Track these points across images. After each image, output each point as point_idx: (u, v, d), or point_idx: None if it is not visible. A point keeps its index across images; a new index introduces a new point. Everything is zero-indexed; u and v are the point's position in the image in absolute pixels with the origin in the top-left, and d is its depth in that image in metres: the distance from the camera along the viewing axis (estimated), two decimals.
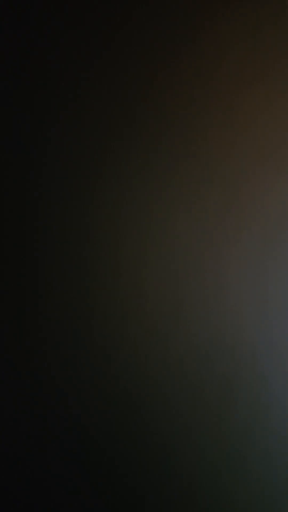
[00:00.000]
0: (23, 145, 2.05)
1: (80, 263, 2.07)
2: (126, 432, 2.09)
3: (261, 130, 2.23)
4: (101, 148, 2.10)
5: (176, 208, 2.15)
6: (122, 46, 2.12)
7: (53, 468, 2.04)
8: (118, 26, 2.12)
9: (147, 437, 2.11)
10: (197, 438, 2.14)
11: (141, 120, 2.13)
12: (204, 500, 2.15)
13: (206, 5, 2.20)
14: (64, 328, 2.05)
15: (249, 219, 2.21)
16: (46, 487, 2.04)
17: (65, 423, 2.05)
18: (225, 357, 2.17)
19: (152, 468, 2.11)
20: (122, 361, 2.09)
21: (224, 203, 2.19)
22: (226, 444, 2.16)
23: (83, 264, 2.08)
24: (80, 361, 2.06)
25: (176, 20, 2.17)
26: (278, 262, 2.23)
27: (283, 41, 2.26)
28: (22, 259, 2.04)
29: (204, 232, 2.17)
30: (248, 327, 2.19)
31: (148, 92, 2.15)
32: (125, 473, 2.09)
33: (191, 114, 2.18)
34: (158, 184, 2.14)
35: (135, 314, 2.10)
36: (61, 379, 2.05)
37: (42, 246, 2.05)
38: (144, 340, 2.11)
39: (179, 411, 2.13)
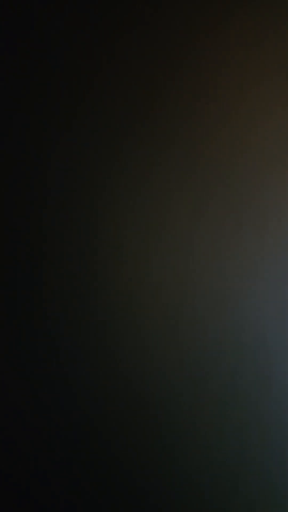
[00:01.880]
0: (26, 151, 2.05)
1: (81, 262, 2.08)
2: (129, 425, 2.10)
3: (262, 134, 2.24)
4: (105, 149, 2.10)
5: (179, 208, 2.16)
6: (123, 53, 2.12)
7: (55, 462, 2.05)
8: (119, 34, 2.12)
9: (149, 432, 2.12)
10: (200, 428, 2.16)
11: (143, 121, 2.14)
12: (207, 489, 2.16)
13: (206, 11, 2.20)
14: (66, 323, 2.06)
15: (249, 219, 2.22)
16: (48, 480, 2.05)
17: (68, 417, 2.05)
18: (228, 349, 2.18)
19: (155, 459, 2.12)
20: (124, 356, 2.10)
21: (224, 203, 2.20)
22: (228, 435, 2.18)
23: (84, 262, 2.08)
24: (82, 355, 2.07)
25: (176, 26, 2.17)
26: (278, 260, 2.24)
27: (283, 46, 2.27)
28: (25, 255, 2.04)
29: (206, 231, 2.18)
30: (249, 323, 2.20)
31: (150, 93, 2.15)
32: (128, 464, 2.10)
33: (192, 118, 2.18)
34: (160, 185, 2.15)
35: (137, 310, 2.11)
36: (63, 373, 2.05)
37: (44, 246, 2.05)
38: (146, 336, 2.12)
39: (182, 402, 2.14)
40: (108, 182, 2.10)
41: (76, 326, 2.06)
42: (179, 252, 2.16)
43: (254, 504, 2.20)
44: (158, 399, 2.12)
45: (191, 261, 2.17)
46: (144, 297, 2.12)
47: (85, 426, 2.06)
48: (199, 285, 2.17)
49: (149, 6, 2.15)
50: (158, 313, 2.13)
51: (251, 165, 2.23)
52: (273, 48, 2.25)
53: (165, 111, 2.15)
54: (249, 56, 2.24)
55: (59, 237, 2.06)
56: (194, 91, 2.19)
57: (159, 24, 2.16)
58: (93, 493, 2.06)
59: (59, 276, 2.06)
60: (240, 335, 2.20)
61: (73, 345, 2.06)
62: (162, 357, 2.12)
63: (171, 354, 2.13)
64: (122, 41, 2.12)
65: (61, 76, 2.07)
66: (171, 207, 2.16)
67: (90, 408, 2.06)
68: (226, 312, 2.19)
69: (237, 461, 2.18)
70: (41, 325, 2.04)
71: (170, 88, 2.17)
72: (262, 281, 2.22)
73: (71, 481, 2.05)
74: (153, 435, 2.11)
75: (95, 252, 2.09)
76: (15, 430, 2.01)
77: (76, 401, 2.05)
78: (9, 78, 2.03)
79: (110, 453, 2.08)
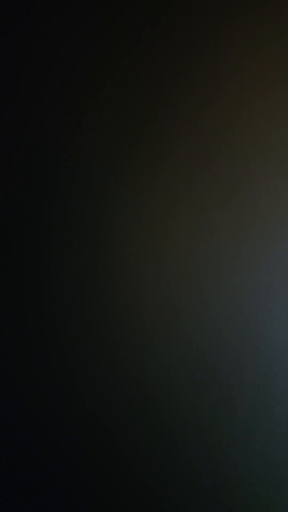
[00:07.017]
0: (32, 163, 2.04)
1: (86, 262, 2.07)
2: (131, 419, 2.09)
3: (262, 132, 2.21)
4: (108, 159, 2.09)
5: (177, 211, 2.15)
6: (126, 62, 2.11)
7: (56, 454, 2.04)
8: (118, 33, 2.11)
9: (151, 425, 2.11)
10: (204, 421, 2.14)
11: (143, 121, 2.12)
12: (209, 482, 2.15)
13: (206, 6, 2.18)
14: (71, 321, 2.05)
15: (249, 220, 2.20)
16: (50, 472, 2.04)
17: (70, 410, 2.05)
18: (226, 356, 2.17)
19: (157, 453, 2.10)
20: (128, 352, 2.09)
21: (224, 205, 2.18)
22: (232, 430, 2.16)
23: (88, 263, 2.07)
24: (85, 351, 2.06)
25: (176, 23, 2.15)
26: (278, 263, 2.22)
27: (283, 41, 2.23)
28: (28, 268, 2.04)
29: (204, 234, 2.17)
30: (249, 328, 2.19)
31: (151, 87, 2.13)
32: (130, 458, 2.08)
33: (192, 117, 2.16)
34: (162, 194, 2.14)
35: (135, 317, 2.10)
36: (66, 369, 2.04)
37: (47, 259, 2.05)
38: (144, 343, 2.10)
39: (185, 396, 2.13)
40: (113, 187, 2.09)
41: (80, 324, 2.05)
42: (178, 254, 2.14)
43: (258, 498, 2.19)
44: (160, 393, 2.10)
45: (193, 266, 2.15)
46: (146, 300, 2.11)
47: (88, 420, 2.05)
48: (197, 290, 2.16)
49: (152, 15, 2.13)
50: (160, 308, 2.12)
51: (254, 174, 2.21)
52: (275, 55, 2.22)
53: (168, 119, 2.14)
54: (251, 63, 2.21)
55: (65, 239, 2.06)
56: (197, 99, 2.16)
57: (161, 35, 2.14)
58: (95, 486, 2.05)
59: (65, 273, 2.04)
60: (241, 337, 2.18)
61: (77, 342, 2.05)
62: (164, 351, 2.11)
63: (174, 349, 2.12)
64: (125, 50, 2.11)
65: (65, 84, 2.06)
66: (173, 216, 2.14)
67: (92, 401, 2.05)
68: (225, 315, 2.17)
69: (241, 455, 2.17)
70: (47, 321, 2.04)
71: (170, 84, 2.14)
72: (262, 285, 2.20)
73: (73, 474, 2.04)
74: (156, 429, 2.10)
75: (99, 254, 2.08)
76: (18, 422, 2.01)
77: (79, 395, 2.04)
78: (11, 84, 2.03)
79: (112, 446, 2.07)
